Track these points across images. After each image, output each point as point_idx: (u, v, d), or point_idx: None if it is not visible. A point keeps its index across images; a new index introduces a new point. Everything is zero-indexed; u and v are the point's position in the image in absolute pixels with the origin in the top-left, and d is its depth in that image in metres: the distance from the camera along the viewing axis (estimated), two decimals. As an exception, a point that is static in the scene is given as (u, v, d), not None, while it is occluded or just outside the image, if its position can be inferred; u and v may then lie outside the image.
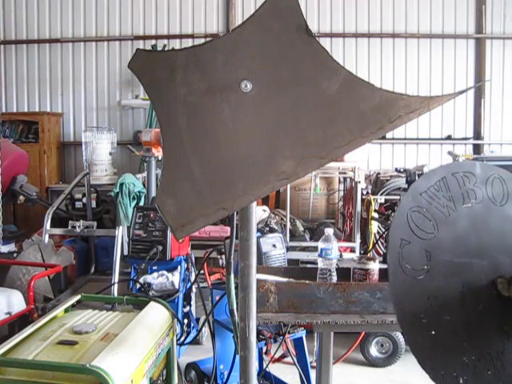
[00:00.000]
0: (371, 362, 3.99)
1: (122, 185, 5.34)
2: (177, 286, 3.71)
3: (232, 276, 1.70)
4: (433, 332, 1.40)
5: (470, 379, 1.40)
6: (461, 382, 1.40)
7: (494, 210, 1.56)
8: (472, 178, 1.55)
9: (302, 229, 5.89)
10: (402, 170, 6.29)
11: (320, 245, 2.38)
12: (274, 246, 3.30)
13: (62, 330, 2.16)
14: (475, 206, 1.53)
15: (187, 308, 3.93)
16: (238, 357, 1.73)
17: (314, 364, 2.91)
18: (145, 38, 7.75)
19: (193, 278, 3.81)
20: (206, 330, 4.11)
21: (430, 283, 1.43)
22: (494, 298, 1.47)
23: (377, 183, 6.21)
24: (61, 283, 4.74)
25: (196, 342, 3.96)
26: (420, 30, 7.52)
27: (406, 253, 1.42)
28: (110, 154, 7.18)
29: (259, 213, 5.38)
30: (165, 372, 2.45)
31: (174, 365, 2.51)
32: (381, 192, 5.69)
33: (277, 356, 3.24)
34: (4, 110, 7.62)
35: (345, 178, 6.68)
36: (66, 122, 7.93)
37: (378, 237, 5.10)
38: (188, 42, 7.63)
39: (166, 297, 3.55)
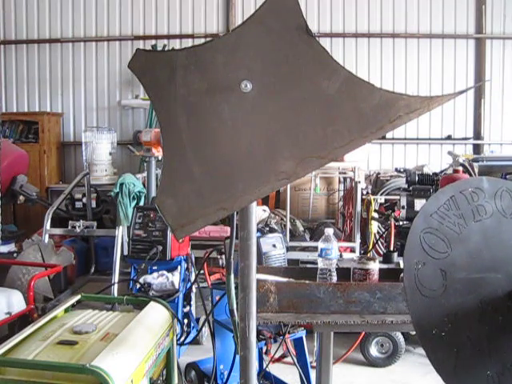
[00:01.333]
0: (371, 362, 3.99)
1: (122, 185, 5.33)
2: (177, 286, 3.71)
3: (232, 276, 1.70)
4: (455, 349, 1.42)
5: None
6: None
7: (505, 222, 1.57)
8: (480, 194, 1.57)
9: (302, 229, 5.90)
10: (401, 169, 6.30)
11: (320, 245, 2.38)
12: (274, 245, 3.30)
13: (62, 330, 2.16)
14: (486, 220, 1.55)
15: (187, 308, 3.92)
16: (238, 357, 1.73)
17: (314, 364, 2.91)
18: (145, 37, 7.75)
19: (193, 278, 3.81)
20: (205, 330, 4.11)
21: (448, 301, 1.45)
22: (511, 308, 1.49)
23: (377, 183, 6.21)
24: (61, 283, 4.74)
25: (196, 342, 3.96)
26: (420, 30, 7.52)
27: (421, 274, 1.44)
28: (110, 153, 7.18)
29: (259, 213, 5.38)
30: (165, 372, 2.45)
31: (174, 365, 2.51)
32: (381, 192, 5.70)
33: (277, 356, 3.24)
34: (4, 110, 7.62)
35: (345, 178, 6.68)
36: (66, 122, 7.94)
37: (377, 237, 5.10)
38: (188, 42, 7.63)
39: (166, 297, 3.55)
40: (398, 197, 4.78)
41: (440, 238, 1.49)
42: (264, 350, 3.04)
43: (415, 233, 1.48)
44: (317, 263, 2.43)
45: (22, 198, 6.17)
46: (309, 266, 4.17)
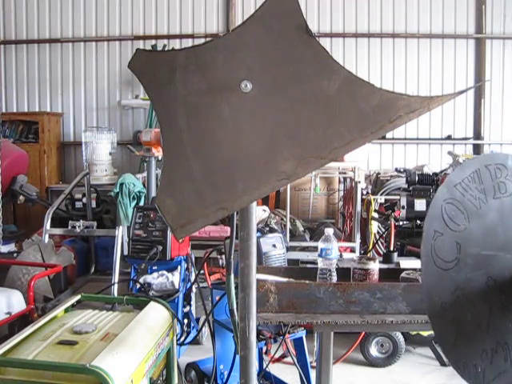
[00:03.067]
0: (371, 362, 3.99)
1: (122, 185, 5.34)
2: (177, 286, 3.71)
3: (232, 276, 1.70)
4: (457, 323, 1.43)
5: (487, 368, 1.43)
6: (479, 370, 1.43)
7: None
8: (504, 171, 1.57)
9: (302, 229, 5.90)
10: (402, 170, 6.29)
11: (320, 245, 2.38)
12: (274, 246, 3.30)
13: (62, 330, 2.16)
14: (505, 198, 1.56)
15: (187, 308, 3.93)
16: (238, 357, 1.73)
17: (314, 364, 2.91)
18: (145, 37, 7.75)
19: (193, 278, 3.81)
20: (205, 330, 4.11)
21: (458, 275, 1.45)
22: None
23: (377, 183, 6.21)
24: (61, 283, 4.74)
25: (196, 342, 3.96)
26: (420, 30, 7.52)
27: (438, 245, 1.45)
28: (110, 153, 7.18)
29: (259, 213, 5.38)
30: (165, 372, 2.45)
31: (174, 365, 2.51)
32: (381, 192, 5.70)
33: (277, 356, 3.24)
34: (4, 110, 7.62)
35: (345, 178, 6.68)
36: (66, 122, 7.93)
37: (377, 237, 5.10)
38: (188, 42, 7.63)
39: (166, 297, 3.55)
40: (398, 197, 4.79)
41: (460, 210, 1.49)
42: (264, 350, 3.05)
43: (438, 202, 1.48)
44: (317, 263, 2.43)
45: (21, 197, 6.17)
46: (309, 266, 4.17)
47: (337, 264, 2.44)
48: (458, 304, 1.44)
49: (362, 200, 5.17)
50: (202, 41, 6.83)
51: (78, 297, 2.64)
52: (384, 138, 7.19)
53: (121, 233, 4.63)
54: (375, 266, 2.38)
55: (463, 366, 1.43)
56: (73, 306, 2.57)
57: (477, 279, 1.47)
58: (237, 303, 1.68)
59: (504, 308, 1.49)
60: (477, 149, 7.53)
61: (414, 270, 2.44)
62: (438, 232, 1.45)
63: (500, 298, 1.49)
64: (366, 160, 6.59)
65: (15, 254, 4.95)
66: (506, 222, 1.54)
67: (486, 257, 1.49)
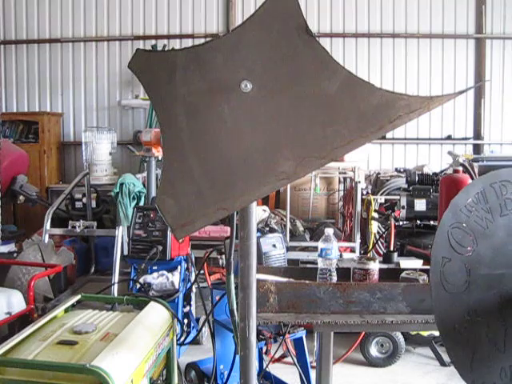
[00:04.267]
0: (371, 362, 3.99)
1: (122, 185, 5.33)
2: (177, 286, 3.71)
3: (232, 276, 1.70)
4: (473, 345, 1.43)
5: None
6: None
7: None
8: (509, 187, 1.56)
9: (302, 229, 5.90)
10: (401, 170, 6.30)
11: (320, 245, 2.38)
12: (274, 246, 3.30)
13: (62, 330, 2.16)
14: (511, 215, 1.55)
15: (187, 308, 3.93)
16: (237, 357, 1.73)
17: (314, 364, 2.91)
18: (145, 38, 7.75)
19: (193, 278, 3.81)
20: (205, 330, 4.11)
21: (470, 298, 1.45)
22: None
23: (377, 183, 6.21)
24: (61, 283, 4.73)
25: (196, 342, 3.96)
26: (420, 30, 7.52)
27: (447, 270, 1.45)
28: (110, 153, 7.18)
29: (259, 213, 5.38)
30: (165, 372, 2.45)
31: (174, 365, 2.51)
32: (381, 192, 5.69)
33: (277, 356, 3.24)
34: (4, 110, 7.62)
35: (345, 178, 6.68)
36: (66, 122, 7.93)
37: (377, 237, 5.10)
38: (188, 42, 7.63)
39: (166, 297, 3.55)
40: (398, 197, 4.79)
41: (467, 232, 1.49)
42: (264, 350, 3.04)
43: (444, 228, 1.47)
44: (317, 263, 2.43)
45: (21, 197, 6.17)
46: (309, 266, 4.17)
47: (337, 264, 2.44)
48: (471, 326, 1.44)
49: (362, 200, 5.17)
50: (202, 41, 6.84)
51: (78, 297, 2.64)
52: (384, 138, 7.19)
53: (121, 233, 4.63)
54: (375, 266, 2.38)
55: None
56: (73, 306, 2.56)
57: (489, 299, 1.47)
58: (237, 303, 1.68)
59: None
60: (477, 149, 7.53)
61: (414, 270, 2.44)
62: (446, 258, 1.45)
63: None
64: (366, 160, 6.59)
65: (15, 254, 4.94)
66: None
67: (496, 276, 1.49)
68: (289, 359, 3.25)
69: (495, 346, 1.45)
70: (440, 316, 1.43)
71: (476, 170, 5.33)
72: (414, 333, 3.99)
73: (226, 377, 3.15)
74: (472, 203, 1.51)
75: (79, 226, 5.08)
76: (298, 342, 3.02)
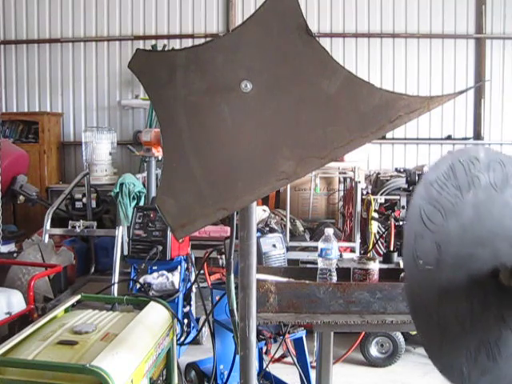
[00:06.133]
0: (371, 362, 3.99)
1: (122, 185, 5.33)
2: (177, 286, 3.71)
3: (232, 276, 1.70)
4: (443, 327, 1.41)
5: (472, 369, 1.41)
6: (465, 372, 1.41)
7: (495, 196, 1.55)
8: (477, 164, 1.54)
9: (302, 229, 5.90)
10: (401, 169, 6.30)
11: (320, 245, 2.38)
12: (274, 246, 3.30)
13: (62, 329, 2.16)
14: (479, 193, 1.53)
15: (187, 308, 3.92)
16: (237, 357, 1.73)
17: (314, 364, 2.91)
18: (145, 38, 7.75)
19: (193, 278, 3.81)
20: (205, 330, 4.11)
21: (440, 277, 1.43)
22: (494, 286, 1.48)
23: (377, 183, 6.21)
24: (61, 283, 4.73)
25: (196, 342, 3.96)
26: (420, 30, 7.52)
27: (419, 247, 1.42)
28: (110, 153, 7.18)
29: (259, 213, 5.38)
30: (165, 372, 2.45)
31: (174, 365, 2.51)
32: (381, 192, 5.70)
33: (277, 356, 3.24)
34: (4, 110, 7.61)
35: (345, 178, 6.68)
36: (66, 122, 7.93)
37: (377, 237, 5.10)
38: (188, 42, 7.63)
39: (166, 297, 3.55)
40: (398, 197, 4.79)
41: (437, 208, 1.46)
42: (264, 350, 3.04)
43: (416, 202, 1.45)
44: (317, 263, 2.43)
45: (22, 197, 6.17)
46: (309, 266, 4.17)
47: (337, 264, 2.44)
48: (441, 306, 1.41)
49: (362, 200, 5.17)
50: (202, 41, 6.84)
51: (78, 297, 2.64)
52: (384, 137, 7.19)
53: (121, 233, 4.63)
54: (375, 266, 2.38)
55: (450, 370, 1.41)
56: (73, 306, 2.57)
57: (458, 279, 1.45)
58: (237, 303, 1.68)
59: (484, 304, 1.47)
60: (477, 149, 7.52)
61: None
62: (418, 234, 1.42)
63: (479, 294, 1.47)
64: (366, 160, 6.58)
65: (15, 254, 4.94)
66: (482, 216, 1.52)
67: (465, 255, 1.47)
68: (289, 359, 3.25)
69: (462, 328, 1.43)
70: (411, 295, 1.40)
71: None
72: (413, 333, 3.99)
73: (225, 377, 3.15)
74: (443, 179, 1.48)
75: (79, 226, 5.08)
76: (297, 342, 3.02)
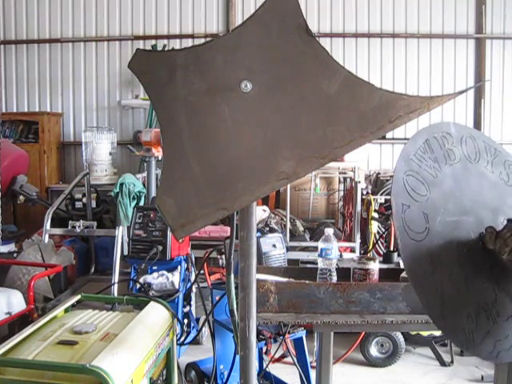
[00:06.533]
0: (371, 362, 3.99)
1: (122, 185, 5.33)
2: (177, 286, 3.71)
3: (232, 276, 1.70)
4: (440, 292, 1.45)
5: (474, 330, 1.46)
6: (467, 334, 1.46)
7: (471, 167, 1.65)
8: (449, 138, 1.64)
9: (302, 229, 5.90)
10: (401, 170, 6.27)
11: (320, 245, 2.38)
12: (274, 246, 3.30)
13: (62, 329, 2.16)
14: (455, 165, 1.62)
15: (187, 308, 3.93)
16: (237, 357, 1.73)
17: (314, 364, 2.91)
18: (145, 38, 7.75)
19: (193, 278, 3.81)
20: (206, 330, 4.11)
21: (431, 244, 1.48)
22: (483, 251, 1.55)
23: (377, 183, 6.21)
24: (61, 283, 4.73)
25: (196, 342, 3.96)
26: (420, 30, 7.52)
27: (408, 217, 1.47)
28: (110, 153, 7.18)
29: (259, 213, 5.38)
30: (165, 372, 2.45)
31: (174, 365, 2.51)
32: (381, 192, 5.69)
33: (277, 356, 3.24)
34: (4, 110, 7.61)
35: (345, 178, 6.68)
36: (66, 122, 7.93)
37: (377, 237, 5.10)
38: (188, 42, 7.63)
39: (166, 297, 3.55)
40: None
41: (420, 180, 1.53)
42: (264, 350, 3.04)
43: (399, 175, 1.51)
44: (317, 263, 2.43)
45: (22, 197, 6.17)
46: (309, 266, 4.17)
47: (337, 264, 2.44)
48: (437, 273, 1.47)
49: (362, 200, 5.17)
50: (202, 41, 6.84)
51: (78, 297, 2.64)
52: (384, 137, 7.18)
53: (121, 233, 4.63)
54: (375, 266, 2.38)
55: (454, 332, 1.46)
56: (73, 306, 2.57)
57: (448, 246, 1.51)
58: (237, 303, 1.68)
59: (476, 269, 1.53)
60: (477, 149, 7.52)
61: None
62: (405, 205, 1.48)
63: (471, 260, 1.53)
64: (366, 160, 6.58)
65: (15, 254, 4.94)
66: (461, 187, 1.60)
67: (451, 223, 1.53)
68: (289, 359, 3.25)
69: (459, 293, 1.48)
70: (408, 263, 1.45)
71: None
72: (413, 333, 3.99)
73: (225, 377, 3.15)
74: (420, 152, 1.56)
75: (79, 226, 5.08)
76: (297, 342, 3.02)
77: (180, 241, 3.73)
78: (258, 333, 2.78)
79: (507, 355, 1.50)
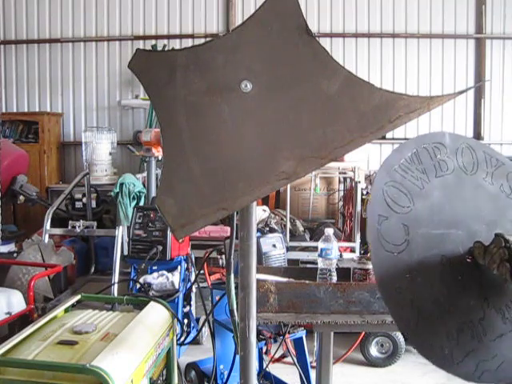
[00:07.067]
0: (371, 362, 3.99)
1: (122, 185, 5.33)
2: (177, 286, 3.71)
3: (232, 276, 1.70)
4: (417, 307, 1.39)
5: (454, 348, 1.40)
6: (446, 352, 1.39)
7: (466, 179, 1.58)
8: (442, 149, 1.58)
9: (302, 229, 5.89)
10: (401, 170, 6.27)
11: (320, 245, 2.38)
12: (274, 246, 3.30)
13: (62, 330, 2.16)
14: (447, 176, 1.55)
15: (187, 308, 3.93)
16: (237, 357, 1.73)
17: (314, 364, 2.91)
18: (145, 38, 7.75)
19: (193, 278, 3.81)
20: (206, 330, 4.11)
21: (411, 257, 1.42)
22: (472, 266, 1.47)
23: (377, 183, 6.20)
24: (61, 283, 4.74)
25: (196, 342, 3.96)
26: (420, 30, 7.52)
27: (384, 229, 1.42)
28: (110, 153, 7.18)
29: (259, 213, 5.38)
30: (165, 372, 2.45)
31: (174, 365, 2.51)
32: (381, 192, 5.68)
33: (277, 356, 3.24)
34: (4, 110, 7.61)
35: (345, 178, 6.67)
36: (66, 122, 7.93)
37: (378, 237, 5.09)
38: (188, 42, 7.63)
39: (166, 297, 3.55)
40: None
41: (403, 192, 1.47)
42: (264, 350, 3.04)
43: (378, 186, 1.46)
44: (317, 263, 2.43)
45: (22, 197, 6.16)
46: (309, 266, 4.17)
47: (337, 264, 2.44)
48: (414, 286, 1.40)
49: (362, 200, 5.17)
50: (202, 41, 6.83)
51: (78, 297, 2.64)
52: (384, 137, 7.18)
53: (121, 233, 4.63)
54: (375, 266, 2.37)
55: (429, 349, 1.40)
56: (73, 306, 2.56)
57: (431, 260, 1.44)
58: (237, 303, 1.68)
59: (462, 286, 1.46)
60: (477, 149, 7.52)
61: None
62: (383, 216, 1.42)
63: (456, 276, 1.46)
64: (366, 160, 6.58)
65: (15, 254, 4.94)
66: (452, 198, 1.53)
67: (437, 236, 1.47)
68: (289, 359, 3.25)
69: (440, 309, 1.41)
70: (381, 276, 1.39)
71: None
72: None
73: (225, 377, 3.15)
74: (406, 163, 1.50)
75: (79, 226, 5.08)
76: (297, 342, 3.02)
77: (180, 241, 3.73)
78: (258, 333, 2.78)
79: (493, 376, 1.42)
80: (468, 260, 1.47)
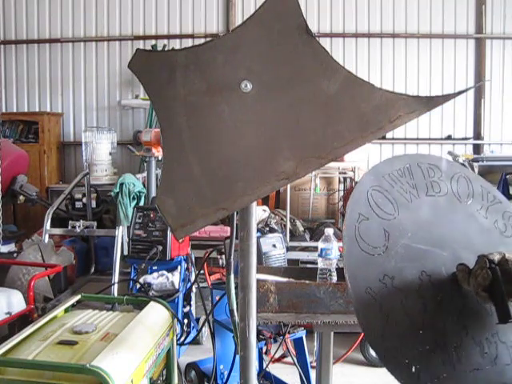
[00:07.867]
0: (371, 362, 3.99)
1: (122, 185, 5.33)
2: (177, 286, 3.71)
3: (232, 276, 1.70)
4: (386, 314, 1.34)
5: (422, 368, 1.33)
6: (413, 370, 1.34)
7: (459, 205, 1.56)
8: (437, 172, 1.57)
9: (302, 229, 5.89)
10: (401, 170, 6.27)
11: (320, 245, 2.38)
12: (274, 246, 3.30)
13: (62, 329, 2.16)
14: (439, 197, 1.54)
15: (187, 308, 3.93)
16: (237, 357, 1.73)
17: (314, 364, 2.91)
18: (145, 38, 7.75)
19: (193, 278, 3.81)
20: (206, 330, 4.11)
21: (387, 263, 1.39)
22: (454, 290, 1.42)
23: (377, 183, 6.20)
24: (61, 283, 4.74)
25: (196, 342, 3.96)
26: (420, 30, 7.52)
27: (363, 228, 1.40)
28: (110, 154, 7.18)
29: (259, 213, 5.38)
30: (165, 372, 2.45)
31: (174, 365, 2.51)
32: (381, 192, 5.69)
33: (277, 356, 3.24)
34: (4, 110, 7.61)
35: (345, 178, 6.68)
36: (66, 122, 7.94)
37: (377, 237, 5.09)
38: (188, 42, 7.63)
39: (166, 297, 3.55)
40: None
41: (388, 199, 1.46)
42: (264, 350, 3.04)
43: (363, 187, 1.45)
44: (317, 263, 2.43)
45: (22, 197, 6.17)
46: (309, 266, 4.17)
47: (337, 264, 2.44)
48: (386, 293, 1.35)
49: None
50: (202, 41, 6.84)
51: (78, 297, 2.64)
52: (384, 137, 7.19)
53: (121, 233, 4.63)
54: (375, 266, 2.37)
55: (393, 361, 1.35)
56: (73, 306, 2.56)
57: (409, 271, 1.40)
58: (237, 303, 1.68)
59: (441, 307, 1.40)
60: (477, 149, 7.53)
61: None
62: (363, 216, 1.41)
63: (436, 295, 1.41)
64: (366, 160, 6.58)
65: (15, 254, 4.95)
66: (441, 219, 1.51)
67: (419, 250, 1.44)
68: (289, 359, 3.25)
69: (412, 323, 1.35)
70: (352, 274, 1.34)
71: (476, 170, 5.33)
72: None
73: (225, 377, 3.15)
74: (397, 174, 1.50)
75: (79, 226, 5.08)
76: (297, 342, 3.02)
77: (180, 241, 3.73)
78: (258, 333, 2.78)
79: None
80: (454, 285, 1.41)
